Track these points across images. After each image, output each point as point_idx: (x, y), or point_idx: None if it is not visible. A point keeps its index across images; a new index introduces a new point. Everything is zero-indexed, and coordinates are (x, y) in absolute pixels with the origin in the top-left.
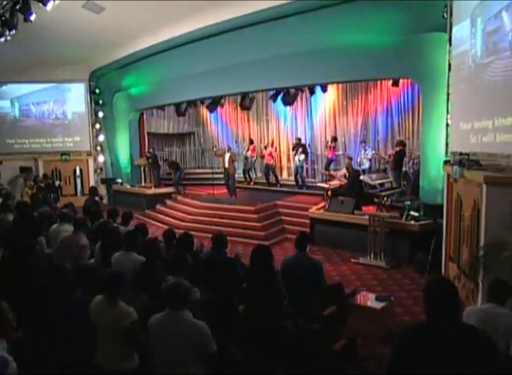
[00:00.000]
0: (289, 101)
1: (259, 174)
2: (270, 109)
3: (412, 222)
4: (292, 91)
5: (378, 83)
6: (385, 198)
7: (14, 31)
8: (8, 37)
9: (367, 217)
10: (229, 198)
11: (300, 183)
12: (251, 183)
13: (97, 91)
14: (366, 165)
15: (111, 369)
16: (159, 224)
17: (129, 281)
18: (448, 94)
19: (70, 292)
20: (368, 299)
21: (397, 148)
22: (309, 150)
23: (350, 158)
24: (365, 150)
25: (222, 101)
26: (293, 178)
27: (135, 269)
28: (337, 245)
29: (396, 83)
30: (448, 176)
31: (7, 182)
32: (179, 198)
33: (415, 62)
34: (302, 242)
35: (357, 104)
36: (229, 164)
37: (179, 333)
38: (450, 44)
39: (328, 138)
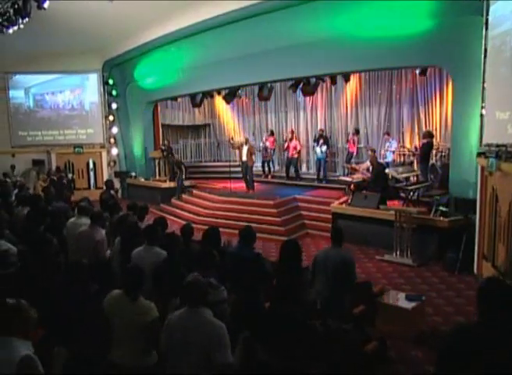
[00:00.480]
0: (309, 91)
1: (277, 167)
2: (289, 100)
3: (441, 218)
4: (312, 80)
5: (403, 71)
6: (412, 193)
7: (27, 19)
8: (21, 26)
9: (392, 212)
10: (247, 192)
11: (322, 176)
12: (269, 176)
13: (111, 81)
14: (389, 158)
15: (128, 365)
16: (174, 218)
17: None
18: (483, 82)
19: (85, 288)
20: (398, 298)
21: (424, 140)
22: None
23: (374, 151)
24: (389, 142)
25: (240, 92)
26: (312, 171)
27: (156, 264)
28: (360, 241)
29: (423, 72)
30: (482, 168)
31: (20, 175)
32: (195, 191)
33: (446, 48)
34: (337, 236)
35: (380, 94)
36: (247, 157)
37: (197, 330)
38: (487, 28)
39: (350, 130)
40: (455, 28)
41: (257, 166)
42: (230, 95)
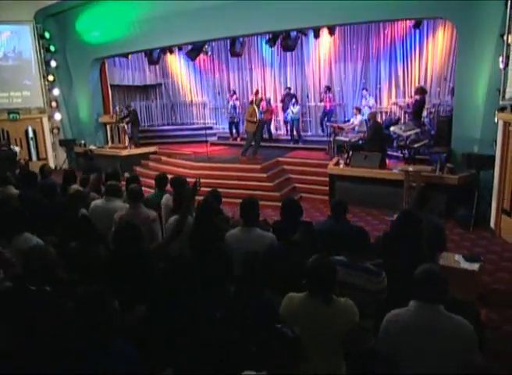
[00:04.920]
0: (289, 46)
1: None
2: (254, 56)
3: (449, 174)
4: (293, 34)
5: (381, 25)
6: (407, 151)
7: None
8: None
9: (396, 171)
10: (226, 157)
11: (296, 137)
12: (238, 138)
13: (47, 35)
14: (366, 115)
15: None
16: (147, 189)
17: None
18: (507, 35)
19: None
20: (457, 260)
21: (417, 96)
22: (299, 101)
23: (359, 110)
24: (366, 99)
25: (206, 47)
26: (281, 132)
27: (265, 251)
28: (362, 203)
29: (418, 25)
30: (505, 123)
31: None
32: (164, 158)
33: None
34: (423, 198)
35: (356, 49)
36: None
37: (439, 333)
38: None
39: (323, 87)
40: None
41: (221, 129)
42: (194, 52)
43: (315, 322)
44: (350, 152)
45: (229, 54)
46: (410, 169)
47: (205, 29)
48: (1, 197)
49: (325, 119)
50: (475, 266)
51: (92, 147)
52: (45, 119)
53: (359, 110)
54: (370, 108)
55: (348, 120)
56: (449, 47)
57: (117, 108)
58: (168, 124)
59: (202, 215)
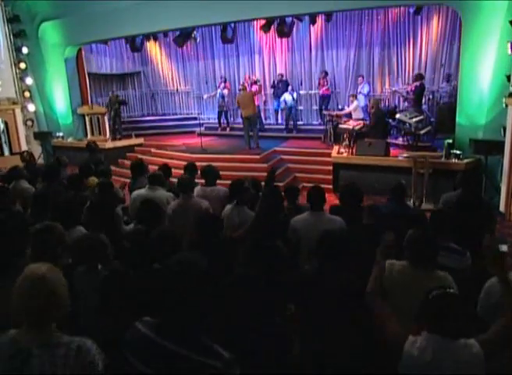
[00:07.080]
0: (285, 32)
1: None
2: (242, 43)
3: (456, 160)
4: (288, 20)
5: (375, 11)
6: (411, 137)
7: None
8: None
9: (401, 158)
10: (221, 148)
11: (291, 126)
12: (227, 128)
13: (17, 19)
14: (362, 102)
15: None
16: None
17: None
18: None
19: None
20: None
21: (417, 83)
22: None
23: (355, 96)
24: (361, 86)
25: (195, 33)
26: (270, 121)
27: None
28: (369, 191)
29: (418, 11)
30: None
31: None
32: (154, 150)
33: None
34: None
35: (348, 35)
36: None
37: None
38: None
39: (314, 74)
40: None
41: (211, 118)
42: (182, 38)
43: (413, 290)
44: (352, 141)
45: (220, 40)
46: (417, 155)
47: (196, 14)
48: (49, 191)
49: (323, 105)
50: (504, 248)
51: (70, 139)
52: (18, 111)
53: (355, 97)
54: (365, 96)
55: (342, 108)
56: (444, 33)
57: (110, 96)
58: (148, 115)
59: (272, 202)
